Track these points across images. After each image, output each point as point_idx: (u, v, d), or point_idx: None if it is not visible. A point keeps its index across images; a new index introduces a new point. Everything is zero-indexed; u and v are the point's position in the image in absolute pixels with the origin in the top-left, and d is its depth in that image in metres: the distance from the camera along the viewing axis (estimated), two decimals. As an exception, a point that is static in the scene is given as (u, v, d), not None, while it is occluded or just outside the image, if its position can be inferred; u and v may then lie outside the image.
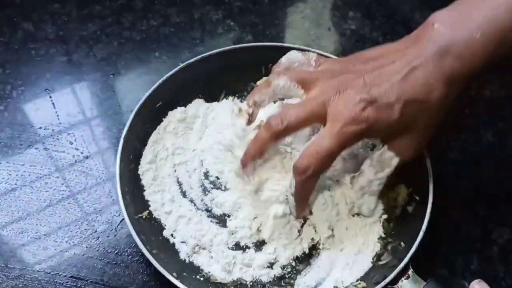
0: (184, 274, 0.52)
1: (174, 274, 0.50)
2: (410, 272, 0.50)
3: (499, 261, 0.57)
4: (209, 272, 0.53)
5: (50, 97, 0.68)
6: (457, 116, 0.68)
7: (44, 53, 0.73)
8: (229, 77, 0.66)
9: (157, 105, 0.63)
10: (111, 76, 0.71)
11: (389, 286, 0.50)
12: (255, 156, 0.52)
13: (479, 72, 0.47)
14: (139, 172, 0.59)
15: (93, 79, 0.71)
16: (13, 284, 0.54)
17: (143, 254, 0.55)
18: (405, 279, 0.50)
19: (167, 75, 0.62)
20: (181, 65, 0.63)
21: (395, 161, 0.51)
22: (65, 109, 0.67)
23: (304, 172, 0.48)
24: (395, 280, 0.50)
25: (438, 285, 0.50)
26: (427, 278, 0.50)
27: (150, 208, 0.57)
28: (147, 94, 0.61)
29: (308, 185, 0.50)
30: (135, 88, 0.70)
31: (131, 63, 0.73)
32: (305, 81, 0.52)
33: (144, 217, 0.56)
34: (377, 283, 0.50)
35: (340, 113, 0.47)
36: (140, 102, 0.60)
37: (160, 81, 0.62)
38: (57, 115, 0.67)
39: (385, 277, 0.50)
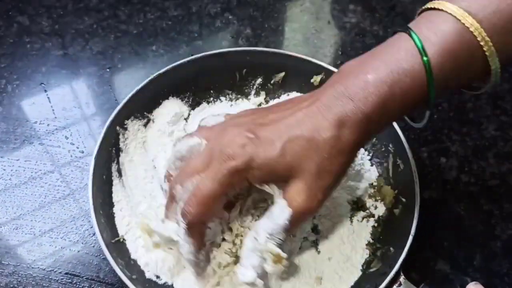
0: None
1: None
2: (402, 279, 0.49)
3: (502, 257, 0.56)
4: None
5: (46, 91, 0.67)
6: (459, 110, 0.67)
7: (40, 47, 0.72)
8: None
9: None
10: (108, 70, 0.70)
11: None
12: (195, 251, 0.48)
13: (376, 116, 0.43)
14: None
15: (89, 73, 0.70)
16: (7, 281, 0.53)
17: (139, 250, 0.55)
18: (397, 286, 0.49)
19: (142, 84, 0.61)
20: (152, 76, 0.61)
21: (286, 213, 0.44)
22: (61, 104, 0.66)
23: (184, 217, 0.45)
24: None
25: None
26: (420, 283, 0.49)
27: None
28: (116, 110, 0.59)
29: (193, 231, 0.46)
30: (131, 82, 0.69)
31: (128, 57, 0.72)
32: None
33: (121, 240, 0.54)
34: None
35: (220, 152, 0.44)
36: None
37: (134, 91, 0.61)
38: (53, 110, 0.66)
39: (376, 286, 0.48)
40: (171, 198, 0.47)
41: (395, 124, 0.57)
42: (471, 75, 0.44)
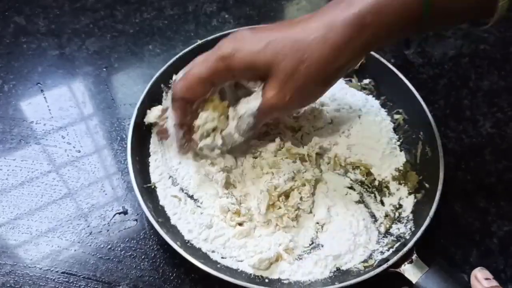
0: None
1: (178, 243, 0.51)
2: (414, 257, 0.50)
3: (499, 253, 0.56)
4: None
5: (42, 91, 0.67)
6: (455, 108, 0.67)
7: (36, 47, 0.72)
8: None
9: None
10: (104, 69, 0.70)
11: (391, 269, 0.50)
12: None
13: (373, 23, 0.43)
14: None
15: (85, 72, 0.70)
16: (4, 281, 0.53)
17: (135, 249, 0.55)
18: (408, 263, 0.50)
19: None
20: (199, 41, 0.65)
21: (257, 102, 0.49)
22: (57, 104, 0.66)
23: (175, 94, 0.51)
24: (397, 264, 0.50)
25: (441, 271, 0.49)
26: (429, 265, 0.50)
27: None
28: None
29: (176, 105, 0.51)
30: (128, 82, 0.69)
31: (124, 57, 0.72)
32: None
33: (152, 187, 0.57)
34: (380, 265, 0.50)
35: (217, 46, 0.49)
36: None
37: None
38: (49, 110, 0.66)
39: (387, 260, 0.50)
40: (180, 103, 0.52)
41: (427, 113, 0.59)
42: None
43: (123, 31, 0.74)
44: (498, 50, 0.73)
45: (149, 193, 0.56)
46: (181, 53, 0.63)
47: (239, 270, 0.52)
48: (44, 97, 0.67)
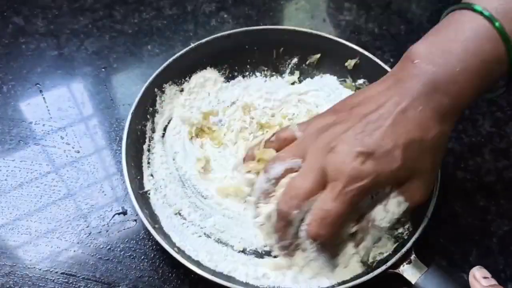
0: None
1: (175, 249, 0.51)
2: (413, 257, 0.50)
3: (498, 253, 0.56)
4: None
5: (41, 91, 0.67)
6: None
7: (35, 47, 0.72)
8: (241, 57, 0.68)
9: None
10: (103, 70, 0.70)
11: (390, 270, 0.49)
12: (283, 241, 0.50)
13: (471, 103, 0.47)
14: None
15: (84, 73, 0.70)
16: (3, 282, 0.53)
17: (135, 250, 0.55)
18: (407, 264, 0.50)
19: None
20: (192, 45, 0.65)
21: (403, 206, 0.48)
22: (56, 104, 0.66)
23: (316, 240, 0.46)
24: (396, 265, 0.50)
25: (440, 271, 0.49)
26: (428, 265, 0.50)
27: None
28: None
29: (323, 249, 0.48)
30: (127, 82, 0.69)
31: (123, 57, 0.71)
32: (298, 152, 0.49)
33: (148, 193, 0.57)
34: (378, 267, 0.50)
35: (340, 172, 0.44)
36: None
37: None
38: (48, 110, 0.66)
39: (386, 261, 0.50)
40: (285, 222, 0.48)
41: None
42: None
43: (122, 31, 0.74)
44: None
45: (145, 198, 0.56)
46: (174, 56, 0.63)
47: (236, 278, 0.52)
48: (43, 98, 0.67)
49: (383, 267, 0.49)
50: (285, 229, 0.48)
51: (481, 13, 0.43)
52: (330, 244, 0.48)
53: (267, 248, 0.54)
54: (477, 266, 0.48)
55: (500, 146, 0.64)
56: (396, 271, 0.50)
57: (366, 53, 0.64)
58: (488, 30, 0.43)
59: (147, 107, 0.61)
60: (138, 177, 0.57)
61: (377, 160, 0.44)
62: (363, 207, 0.48)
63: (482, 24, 0.44)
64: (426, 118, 0.45)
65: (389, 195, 0.48)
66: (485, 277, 0.47)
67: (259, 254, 0.54)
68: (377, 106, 0.46)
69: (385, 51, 0.72)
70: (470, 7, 0.44)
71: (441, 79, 0.44)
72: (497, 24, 0.43)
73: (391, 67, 0.66)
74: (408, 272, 0.49)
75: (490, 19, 0.43)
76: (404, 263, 0.50)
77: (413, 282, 0.49)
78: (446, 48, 0.45)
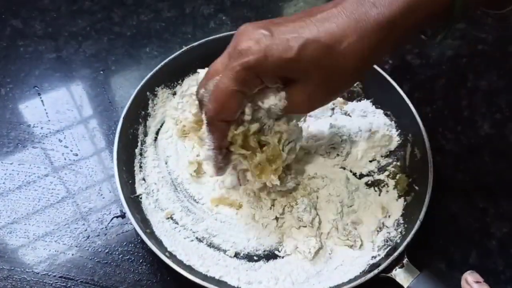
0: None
1: (167, 253, 0.51)
2: (405, 261, 0.50)
3: (498, 255, 0.56)
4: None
5: (39, 94, 0.67)
6: (454, 108, 0.67)
7: (33, 50, 0.72)
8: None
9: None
10: (101, 72, 0.70)
11: (382, 274, 0.49)
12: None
13: (399, 30, 0.42)
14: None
15: (82, 75, 0.69)
16: (2, 285, 0.53)
17: (133, 253, 0.55)
18: (399, 268, 0.49)
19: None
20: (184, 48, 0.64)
21: (282, 103, 0.46)
22: (55, 107, 0.66)
23: (210, 118, 0.46)
24: (388, 269, 0.49)
25: (432, 275, 0.49)
26: (421, 269, 0.49)
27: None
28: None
29: (216, 128, 0.47)
30: (125, 84, 0.69)
31: (122, 59, 0.71)
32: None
33: (139, 197, 0.57)
34: (371, 271, 0.49)
35: (233, 49, 0.44)
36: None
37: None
38: (46, 113, 0.66)
39: (378, 265, 0.49)
40: (200, 104, 0.48)
41: (416, 115, 0.58)
42: None
43: (120, 34, 0.74)
44: (496, 50, 0.73)
45: (137, 203, 0.56)
46: (166, 60, 0.63)
47: (228, 283, 0.52)
48: (41, 101, 0.67)
49: (375, 271, 0.49)
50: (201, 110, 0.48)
51: None
52: (217, 128, 0.47)
53: (259, 252, 0.54)
54: (469, 271, 0.47)
55: (499, 148, 0.64)
56: (389, 275, 0.49)
57: None
58: None
59: (139, 111, 0.61)
60: (130, 181, 0.57)
61: (272, 42, 0.43)
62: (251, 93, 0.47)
63: None
64: (345, 25, 0.42)
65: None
66: (477, 282, 0.46)
67: (252, 259, 0.54)
68: (309, 11, 0.44)
69: (383, 52, 0.72)
70: None
71: None
72: None
73: (387, 68, 0.66)
74: (401, 276, 0.49)
75: None
76: (397, 267, 0.49)
77: (405, 286, 0.49)
78: None
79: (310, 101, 0.46)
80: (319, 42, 0.42)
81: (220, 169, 0.51)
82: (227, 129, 0.48)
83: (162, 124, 0.63)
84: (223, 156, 0.50)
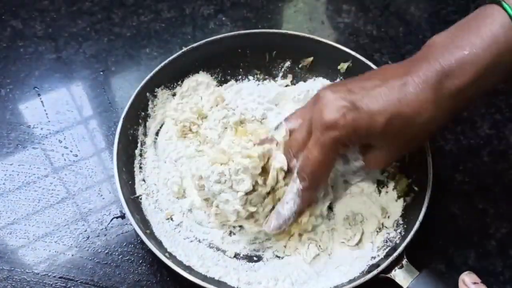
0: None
1: (167, 254, 0.51)
2: (404, 261, 0.50)
3: (497, 255, 0.56)
4: None
5: (39, 95, 0.67)
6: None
7: (33, 51, 0.72)
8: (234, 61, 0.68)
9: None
10: (101, 73, 0.70)
11: (381, 275, 0.49)
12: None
13: (475, 95, 0.45)
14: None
15: (82, 76, 0.70)
16: (2, 286, 0.53)
17: (133, 253, 0.55)
18: (399, 268, 0.50)
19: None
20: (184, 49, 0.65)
21: (359, 165, 0.52)
22: (55, 108, 0.66)
23: (303, 182, 0.49)
24: (388, 269, 0.49)
25: (431, 276, 0.49)
26: (421, 270, 0.49)
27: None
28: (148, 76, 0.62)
29: (305, 195, 0.50)
30: (125, 85, 0.69)
31: (122, 60, 0.71)
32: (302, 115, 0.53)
33: (139, 198, 0.57)
34: (370, 271, 0.49)
35: (318, 121, 0.46)
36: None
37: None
38: (46, 114, 0.66)
39: (378, 266, 0.49)
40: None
41: None
42: None
43: (120, 34, 0.74)
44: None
45: (137, 203, 0.56)
46: (166, 61, 0.63)
47: (228, 284, 0.52)
48: (41, 101, 0.67)
49: (375, 272, 0.49)
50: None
51: (505, 10, 0.43)
52: (309, 197, 0.51)
53: (259, 253, 0.55)
54: (467, 272, 0.47)
55: (499, 148, 0.64)
56: (388, 275, 0.49)
57: (358, 56, 0.63)
58: (508, 24, 0.43)
59: (139, 112, 0.61)
60: (130, 182, 0.57)
61: (358, 116, 0.45)
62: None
63: (505, 19, 0.43)
64: (424, 97, 0.44)
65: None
66: (474, 283, 0.46)
67: (251, 259, 0.54)
68: (382, 77, 0.46)
69: (383, 53, 0.72)
70: (498, 3, 0.43)
71: (448, 61, 0.44)
72: None
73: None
74: (400, 276, 0.49)
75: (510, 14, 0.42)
76: (396, 268, 0.49)
77: (404, 287, 0.49)
78: (464, 35, 0.45)
79: (385, 163, 0.51)
80: (402, 115, 0.44)
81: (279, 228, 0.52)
82: (314, 195, 0.52)
83: (161, 125, 0.63)
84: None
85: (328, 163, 0.48)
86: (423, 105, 0.44)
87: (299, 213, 0.52)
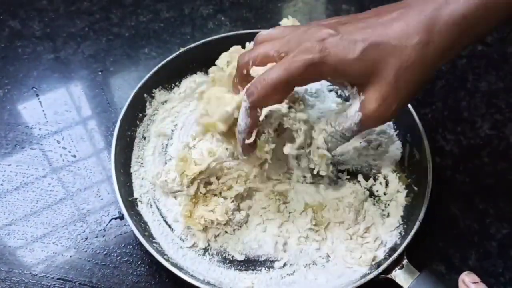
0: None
1: (165, 256, 0.51)
2: (405, 262, 0.50)
3: (497, 256, 0.56)
4: None
5: (37, 95, 0.67)
6: (453, 109, 0.67)
7: (31, 51, 0.71)
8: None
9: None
10: (100, 73, 0.70)
11: (382, 275, 0.49)
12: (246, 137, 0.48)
13: (475, 22, 0.41)
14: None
15: (81, 76, 0.69)
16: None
17: (132, 255, 0.55)
18: (399, 268, 0.49)
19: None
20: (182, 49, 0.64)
21: (356, 117, 0.45)
22: (53, 108, 0.66)
23: (249, 97, 0.44)
24: (388, 270, 0.49)
25: (432, 276, 0.49)
26: (421, 270, 0.49)
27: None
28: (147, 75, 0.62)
29: (251, 113, 0.45)
30: (124, 85, 0.69)
31: (120, 60, 0.71)
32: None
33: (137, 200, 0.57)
34: (370, 272, 0.49)
35: (297, 44, 0.43)
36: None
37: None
38: (45, 114, 0.65)
39: (378, 266, 0.49)
40: (242, 75, 0.46)
41: (415, 116, 0.58)
42: None
43: (119, 34, 0.74)
44: (496, 50, 0.73)
45: (135, 205, 0.56)
46: (163, 62, 0.63)
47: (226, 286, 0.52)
48: (39, 102, 0.67)
49: (375, 272, 0.49)
50: (240, 80, 0.47)
51: None
52: (256, 114, 0.45)
53: (259, 257, 0.54)
54: (466, 272, 0.47)
55: (499, 149, 0.63)
56: (388, 276, 0.49)
57: None
58: None
59: (136, 113, 0.61)
60: (128, 184, 0.57)
61: (337, 43, 0.42)
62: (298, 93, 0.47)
63: None
64: (413, 21, 0.41)
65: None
66: (474, 282, 0.46)
67: (250, 262, 0.54)
68: (376, 11, 0.44)
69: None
70: None
71: None
72: None
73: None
74: (400, 277, 0.49)
75: None
76: (396, 268, 0.49)
77: (405, 287, 0.48)
78: None
79: (386, 104, 0.43)
80: (386, 44, 0.41)
81: (246, 150, 0.49)
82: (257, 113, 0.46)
83: (160, 126, 0.62)
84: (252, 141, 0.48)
85: (287, 84, 0.43)
86: (414, 30, 0.41)
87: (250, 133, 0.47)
